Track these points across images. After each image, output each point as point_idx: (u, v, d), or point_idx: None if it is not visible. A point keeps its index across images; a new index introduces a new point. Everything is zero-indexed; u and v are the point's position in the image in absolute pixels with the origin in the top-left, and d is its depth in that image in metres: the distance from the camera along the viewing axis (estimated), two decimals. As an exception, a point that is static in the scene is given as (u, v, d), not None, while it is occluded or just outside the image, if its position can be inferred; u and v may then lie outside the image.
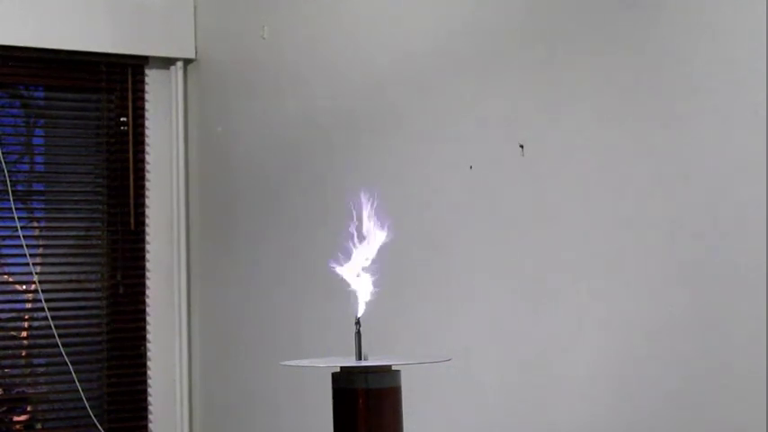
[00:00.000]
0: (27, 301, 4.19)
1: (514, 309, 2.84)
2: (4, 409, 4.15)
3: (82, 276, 4.25)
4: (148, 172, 4.31)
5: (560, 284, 2.72)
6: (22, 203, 4.19)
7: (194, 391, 4.29)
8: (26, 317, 4.22)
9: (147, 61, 4.32)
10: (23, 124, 4.33)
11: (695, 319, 2.38)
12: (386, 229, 2.10)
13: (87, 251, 4.26)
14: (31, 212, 4.27)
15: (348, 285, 2.08)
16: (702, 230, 2.36)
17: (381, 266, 2.10)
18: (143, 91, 4.32)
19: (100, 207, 4.27)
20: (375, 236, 2.08)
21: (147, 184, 4.31)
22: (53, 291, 4.16)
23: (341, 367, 1.99)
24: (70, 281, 4.22)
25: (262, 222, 3.91)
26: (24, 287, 4.18)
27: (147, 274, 4.30)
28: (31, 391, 4.18)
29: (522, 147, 2.81)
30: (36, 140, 4.35)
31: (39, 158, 4.36)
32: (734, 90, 2.30)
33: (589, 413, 2.63)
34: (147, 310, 4.29)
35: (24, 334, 4.22)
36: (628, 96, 2.55)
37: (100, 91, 4.30)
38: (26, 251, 4.10)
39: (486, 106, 2.95)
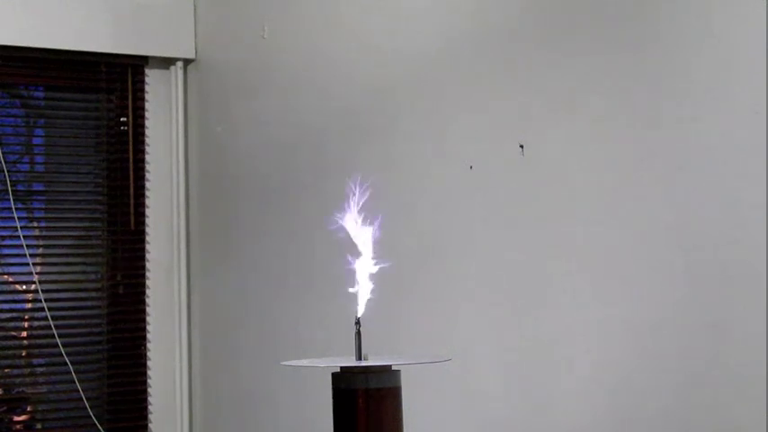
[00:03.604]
0: (27, 301, 4.19)
1: (514, 308, 2.84)
2: (4, 409, 4.15)
3: (82, 276, 4.25)
4: (148, 172, 4.31)
5: (560, 284, 2.72)
6: (22, 203, 4.19)
7: (194, 391, 4.29)
8: (26, 317, 4.22)
9: (147, 61, 4.32)
10: (23, 124, 4.33)
11: (695, 319, 2.38)
12: (380, 227, 2.09)
13: (87, 251, 4.26)
14: (31, 212, 4.27)
15: (355, 283, 2.08)
16: (702, 230, 2.36)
17: (381, 266, 2.10)
18: (143, 91, 4.32)
19: (100, 207, 4.27)
20: (371, 234, 2.08)
21: (147, 184, 4.31)
22: (53, 291, 4.15)
23: (341, 367, 1.99)
24: (70, 281, 4.22)
25: (262, 222, 3.91)
26: (24, 287, 4.18)
27: (147, 274, 4.30)
28: (31, 391, 4.18)
29: (522, 147, 2.81)
30: (36, 140, 4.35)
31: (39, 158, 4.36)
32: (734, 90, 2.30)
33: (589, 413, 2.63)
34: (147, 310, 4.29)
35: (24, 334, 4.22)
36: (628, 96, 2.55)
37: (100, 91, 4.30)
38: (26, 251, 4.10)
39: (486, 106, 2.95)
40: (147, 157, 4.31)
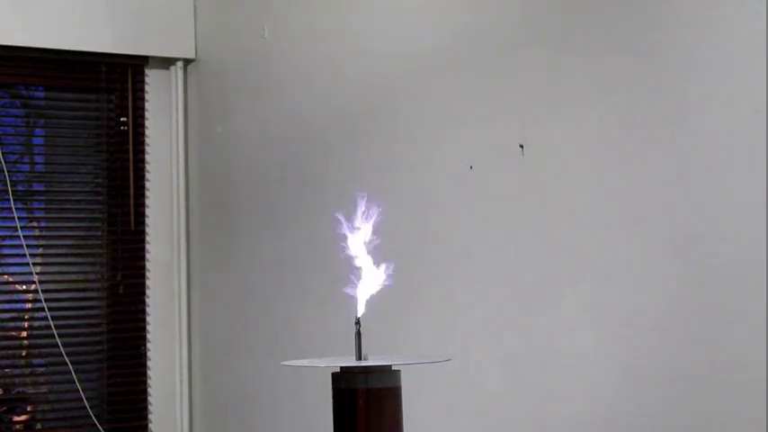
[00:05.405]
0: (27, 301, 4.19)
1: (514, 308, 2.84)
2: (4, 409, 4.15)
3: (82, 276, 4.25)
4: (148, 172, 4.31)
5: (560, 284, 2.72)
6: (22, 203, 4.19)
7: (194, 391, 4.29)
8: (26, 317, 4.22)
9: (147, 61, 4.32)
10: (23, 124, 4.33)
11: (695, 318, 2.38)
12: (381, 227, 2.09)
13: (87, 251, 4.26)
14: (31, 212, 4.27)
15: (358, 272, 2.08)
16: (702, 230, 2.37)
17: (381, 266, 2.10)
18: (143, 91, 4.32)
19: (100, 207, 4.27)
20: (371, 233, 2.09)
21: (147, 184, 4.31)
22: (53, 291, 4.16)
23: (341, 367, 1.99)
24: (70, 281, 4.22)
25: (261, 222, 3.91)
26: (24, 287, 4.18)
27: (147, 274, 4.30)
28: (31, 391, 4.18)
29: (522, 147, 2.82)
30: (36, 140, 4.35)
31: (39, 158, 4.36)
32: (734, 90, 2.30)
33: (589, 413, 2.63)
34: (147, 310, 4.29)
35: (24, 334, 4.22)
36: (628, 96, 2.55)
37: (100, 91, 4.30)
38: (26, 251, 4.10)
39: (487, 106, 2.95)
40: (147, 157, 4.31)
